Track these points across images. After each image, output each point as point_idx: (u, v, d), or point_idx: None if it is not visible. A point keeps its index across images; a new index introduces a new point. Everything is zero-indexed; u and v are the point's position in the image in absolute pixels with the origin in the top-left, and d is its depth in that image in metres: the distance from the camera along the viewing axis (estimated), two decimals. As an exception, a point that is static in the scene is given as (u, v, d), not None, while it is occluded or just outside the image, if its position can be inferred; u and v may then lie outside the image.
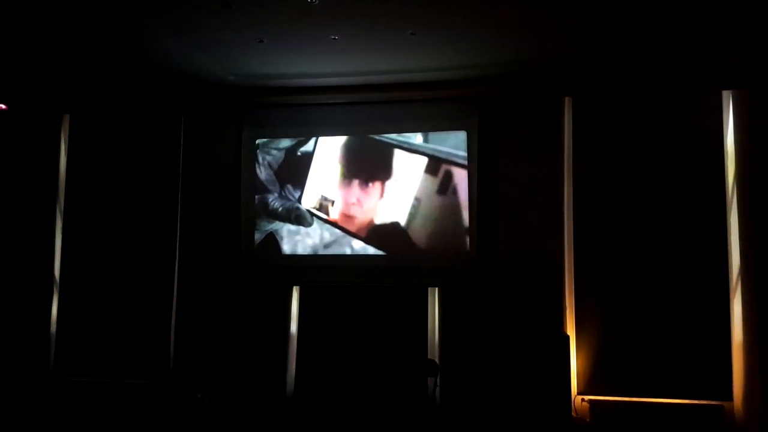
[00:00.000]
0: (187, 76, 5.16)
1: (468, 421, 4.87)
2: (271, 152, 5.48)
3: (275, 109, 5.52)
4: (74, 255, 5.67)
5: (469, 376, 4.97)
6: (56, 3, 3.82)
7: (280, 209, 5.41)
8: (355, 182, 5.29)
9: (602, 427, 4.74)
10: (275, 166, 5.46)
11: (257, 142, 5.49)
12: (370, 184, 5.26)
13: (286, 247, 5.36)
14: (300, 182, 5.38)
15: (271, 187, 5.44)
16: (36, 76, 5.29)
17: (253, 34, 4.29)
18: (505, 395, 4.66)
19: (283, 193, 5.41)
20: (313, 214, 5.34)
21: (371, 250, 5.21)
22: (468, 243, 5.05)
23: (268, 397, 5.23)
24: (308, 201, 5.36)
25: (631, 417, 4.72)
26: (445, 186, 5.12)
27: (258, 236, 5.43)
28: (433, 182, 5.15)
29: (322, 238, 5.30)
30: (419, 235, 5.14)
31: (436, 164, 5.16)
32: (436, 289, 5.19)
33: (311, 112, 5.44)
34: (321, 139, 5.39)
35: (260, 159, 5.48)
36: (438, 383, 4.87)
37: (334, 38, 4.31)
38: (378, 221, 5.22)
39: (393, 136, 5.26)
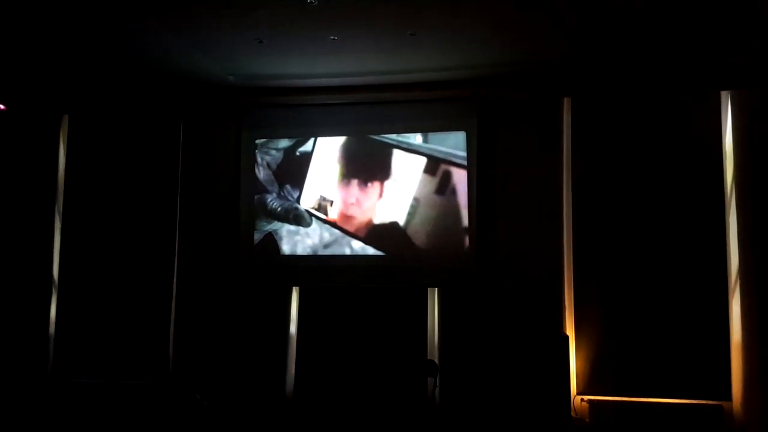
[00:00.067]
0: (187, 76, 5.17)
1: (468, 421, 4.86)
2: (270, 152, 5.48)
3: (275, 110, 5.52)
4: (73, 256, 5.66)
5: (468, 377, 4.97)
6: (56, 3, 3.82)
7: (279, 209, 5.40)
8: (354, 182, 5.29)
9: (602, 427, 4.74)
10: (274, 166, 5.46)
11: (256, 142, 5.49)
12: (369, 184, 5.26)
13: (286, 248, 5.36)
14: (299, 182, 5.38)
15: (269, 188, 5.44)
16: (35, 76, 5.29)
17: (252, 35, 4.30)
18: (505, 395, 4.66)
19: (282, 194, 5.41)
20: (311, 215, 5.34)
21: (370, 251, 5.21)
22: (467, 243, 5.06)
23: (268, 397, 5.23)
24: (307, 201, 5.36)
25: (631, 417, 4.72)
26: (444, 186, 5.13)
27: (257, 236, 5.42)
28: (432, 182, 5.15)
29: (321, 238, 5.30)
30: (418, 235, 5.14)
31: (434, 164, 5.16)
32: (436, 289, 5.20)
33: (311, 112, 5.45)
34: (320, 139, 5.40)
35: (259, 159, 5.48)
36: (437, 383, 4.87)
37: (334, 39, 4.32)
38: (377, 221, 5.22)
39: (392, 136, 5.26)
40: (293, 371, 5.31)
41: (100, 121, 5.76)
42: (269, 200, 5.43)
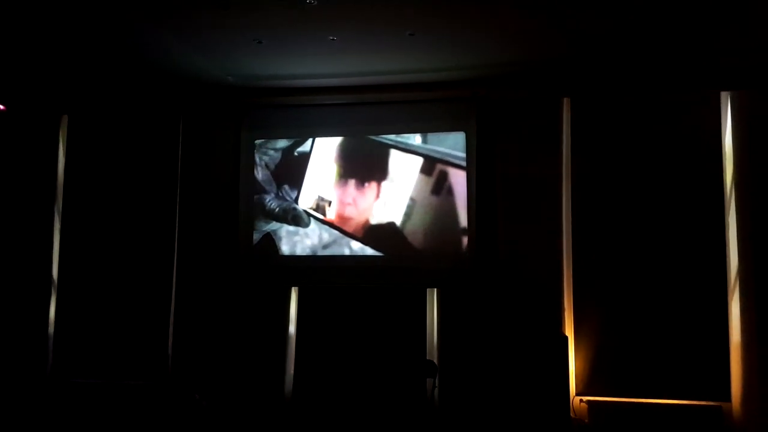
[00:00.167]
0: (186, 76, 5.17)
1: (467, 421, 4.86)
2: (268, 152, 5.48)
3: (274, 110, 5.52)
4: (72, 256, 5.66)
5: (467, 377, 4.96)
6: (55, 4, 3.82)
7: (277, 210, 5.41)
8: (351, 183, 5.29)
9: (601, 428, 4.74)
10: (272, 166, 5.46)
11: (255, 142, 5.49)
12: (366, 185, 5.26)
13: (285, 248, 5.36)
14: (297, 183, 5.38)
15: (268, 188, 5.44)
16: (35, 76, 5.29)
17: (251, 35, 4.29)
18: (504, 396, 4.65)
19: (280, 194, 5.41)
20: (310, 215, 5.34)
21: (369, 251, 5.21)
22: (466, 243, 5.05)
23: (267, 398, 5.23)
24: (305, 201, 5.36)
25: (630, 418, 4.72)
26: (440, 186, 5.12)
27: (256, 237, 5.42)
28: (428, 182, 5.15)
29: (320, 238, 5.30)
30: (415, 235, 5.14)
31: (431, 164, 5.16)
32: (435, 289, 5.19)
33: (311, 112, 5.44)
34: (318, 139, 5.39)
35: (257, 159, 5.48)
36: (437, 384, 4.87)
37: (333, 39, 4.31)
38: (374, 221, 5.22)
39: (391, 136, 5.26)
40: (292, 371, 5.31)
41: (100, 121, 5.76)
42: (267, 200, 5.43)
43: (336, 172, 5.34)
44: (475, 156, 5.08)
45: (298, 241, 5.34)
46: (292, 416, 5.14)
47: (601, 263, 4.95)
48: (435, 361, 5.04)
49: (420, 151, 5.20)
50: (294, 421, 5.09)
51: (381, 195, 5.22)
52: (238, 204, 5.46)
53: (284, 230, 5.38)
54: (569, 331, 4.91)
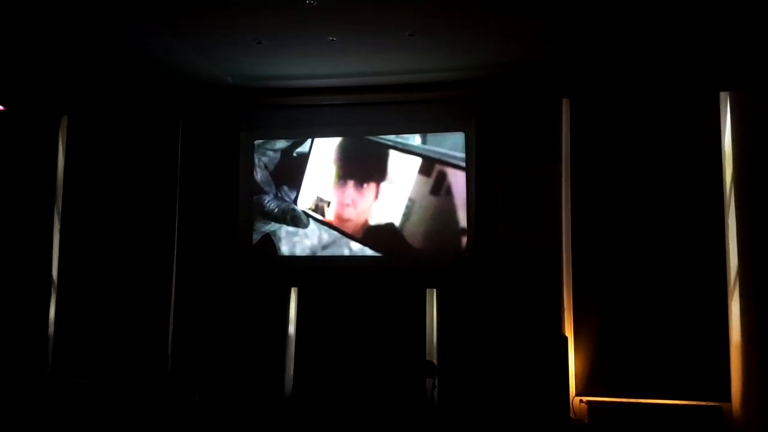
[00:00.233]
0: (186, 77, 5.17)
1: (466, 422, 4.86)
2: (267, 153, 5.48)
3: (274, 111, 5.52)
4: (72, 256, 5.66)
5: (467, 378, 4.96)
6: (55, 4, 3.82)
7: (276, 210, 5.41)
8: (350, 183, 5.29)
9: (600, 429, 4.74)
10: (271, 167, 5.46)
11: (255, 143, 5.49)
12: (365, 185, 5.26)
13: (285, 249, 5.36)
14: (296, 183, 5.38)
15: (267, 188, 5.44)
16: (34, 77, 5.29)
17: (251, 36, 4.30)
18: (504, 396, 4.66)
19: (279, 194, 5.41)
20: (308, 215, 5.34)
21: (369, 252, 5.21)
22: (465, 244, 5.05)
23: (267, 398, 5.23)
24: (304, 202, 5.36)
25: (630, 418, 4.72)
26: (439, 187, 5.13)
27: (255, 237, 5.42)
28: (427, 183, 5.15)
29: (320, 239, 5.30)
30: (414, 236, 5.14)
31: (430, 165, 5.17)
32: (435, 290, 5.19)
33: (310, 113, 5.45)
34: (317, 139, 5.40)
35: (256, 160, 5.48)
36: (436, 384, 4.87)
37: (332, 39, 4.31)
38: (373, 222, 5.22)
39: (390, 137, 5.26)
40: (292, 372, 5.31)
41: (99, 121, 5.76)
42: (266, 201, 5.43)
43: (335, 172, 5.34)
44: (474, 156, 5.08)
45: (298, 242, 5.34)
46: (291, 416, 5.14)
47: (601, 263, 4.95)
48: (434, 361, 5.04)
49: (419, 151, 5.20)
50: (294, 421, 5.09)
51: (380, 196, 5.22)
52: (238, 204, 5.46)
53: (284, 231, 5.38)
54: (569, 332, 4.91)
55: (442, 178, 5.13)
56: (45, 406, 5.22)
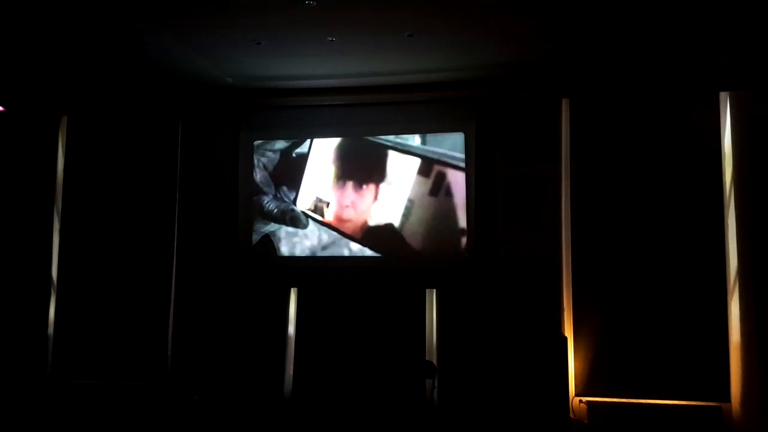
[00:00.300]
0: (185, 77, 5.17)
1: (466, 422, 4.86)
2: (266, 154, 5.48)
3: (273, 111, 5.52)
4: (72, 257, 5.66)
5: (467, 378, 4.96)
6: (54, 4, 3.82)
7: (275, 211, 5.40)
8: (349, 184, 5.29)
9: (600, 429, 4.74)
10: (270, 167, 5.46)
11: (254, 143, 5.49)
12: (364, 186, 5.26)
13: (284, 249, 5.36)
14: (295, 184, 5.38)
15: (266, 189, 5.44)
16: (34, 77, 5.29)
17: (250, 36, 4.29)
18: (503, 397, 4.66)
19: (278, 195, 5.41)
20: (308, 216, 5.34)
21: (368, 252, 5.21)
22: (464, 244, 5.05)
23: (266, 398, 5.23)
24: (303, 202, 5.36)
25: (629, 418, 4.72)
26: (438, 187, 5.13)
27: (255, 238, 5.42)
28: (426, 184, 5.15)
29: (320, 239, 5.30)
30: (414, 236, 5.14)
31: (428, 166, 5.17)
32: (434, 290, 5.19)
33: (310, 113, 5.45)
34: (316, 140, 5.40)
35: (255, 160, 5.48)
36: (436, 385, 4.87)
37: (332, 40, 4.31)
38: (372, 223, 5.22)
39: (389, 137, 5.26)
40: (291, 372, 5.31)
41: (99, 122, 5.76)
42: (265, 202, 5.43)
43: (334, 173, 5.34)
44: (474, 157, 5.08)
45: (298, 242, 5.34)
46: (291, 417, 5.14)
47: (601, 264, 4.95)
48: (434, 361, 5.04)
49: (418, 152, 5.20)
50: (293, 421, 5.09)
51: (379, 196, 5.22)
52: (238, 205, 5.46)
53: (283, 231, 5.38)
54: (568, 332, 4.90)
55: (441, 178, 5.13)
56: (45, 407, 5.22)
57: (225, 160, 5.54)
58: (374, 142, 5.30)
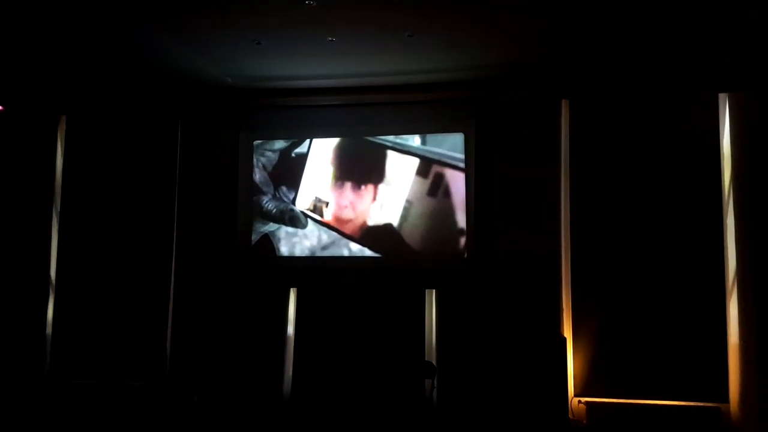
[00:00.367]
0: (185, 77, 5.16)
1: (465, 422, 4.86)
2: (265, 154, 5.48)
3: (273, 111, 5.52)
4: (70, 256, 5.65)
5: (466, 378, 4.97)
6: (54, 5, 3.82)
7: (274, 211, 5.40)
8: (348, 184, 5.29)
9: (599, 429, 4.74)
10: (269, 167, 5.46)
11: (254, 143, 5.49)
12: (363, 186, 5.26)
13: (284, 249, 5.36)
14: (294, 184, 5.38)
15: (265, 189, 5.44)
16: (33, 77, 5.28)
17: (250, 36, 4.29)
18: (503, 397, 4.67)
19: (277, 195, 5.41)
20: (307, 216, 5.34)
21: (368, 252, 5.21)
22: (464, 245, 5.06)
23: (266, 398, 5.22)
24: (302, 202, 5.36)
25: (628, 419, 4.73)
26: (436, 188, 5.13)
27: (254, 238, 5.42)
28: (424, 184, 5.15)
29: (319, 239, 5.30)
30: (413, 236, 5.14)
31: (427, 166, 5.17)
32: (434, 290, 5.19)
33: (310, 114, 5.44)
34: (315, 140, 5.39)
35: (254, 160, 5.47)
36: (435, 385, 4.87)
37: (331, 40, 4.31)
38: (371, 223, 5.22)
39: (389, 137, 5.27)
40: (291, 372, 5.31)
41: (98, 122, 5.75)
42: (265, 202, 5.43)
43: (332, 173, 5.34)
44: (474, 157, 5.08)
45: (297, 242, 5.34)
46: (290, 417, 5.14)
47: (600, 264, 4.95)
48: (434, 362, 5.04)
49: (418, 152, 5.20)
50: (292, 422, 5.09)
51: (378, 196, 5.22)
52: (237, 205, 5.45)
53: (283, 231, 5.38)
54: (568, 333, 4.91)
55: (439, 179, 5.13)
56: (43, 407, 5.21)
57: (224, 160, 5.54)
58: (373, 142, 5.31)
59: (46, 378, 5.52)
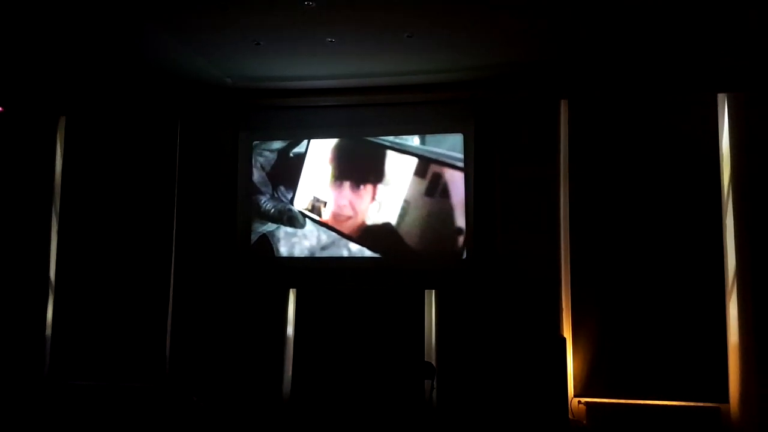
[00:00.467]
0: (184, 78, 5.16)
1: (465, 423, 4.86)
2: (264, 153, 5.48)
3: (273, 112, 5.52)
4: (70, 257, 5.65)
5: (465, 379, 4.97)
6: (53, 5, 3.82)
7: (272, 210, 5.40)
8: (346, 184, 5.29)
9: (599, 429, 4.74)
10: (267, 167, 5.46)
11: (254, 143, 5.49)
12: (361, 186, 5.26)
13: (283, 249, 5.36)
14: (292, 183, 5.38)
15: (263, 189, 5.44)
16: (33, 77, 5.28)
17: (250, 37, 4.30)
18: (502, 397, 4.66)
19: (276, 195, 5.41)
20: (305, 216, 5.34)
21: (367, 253, 5.21)
22: (463, 245, 5.06)
23: (265, 399, 5.22)
24: (300, 202, 5.36)
25: (628, 419, 4.72)
26: (434, 188, 5.13)
27: (254, 238, 5.42)
28: (422, 184, 5.15)
29: (319, 240, 5.30)
30: (411, 236, 5.14)
31: (425, 166, 5.17)
32: (433, 291, 5.19)
33: (309, 114, 5.45)
34: (313, 140, 5.40)
35: (253, 160, 5.47)
36: (435, 385, 4.87)
37: (331, 41, 4.32)
38: (369, 223, 5.22)
39: (388, 138, 5.27)
40: (290, 373, 5.31)
41: (98, 122, 5.75)
42: (263, 201, 5.43)
43: (331, 173, 5.34)
44: (473, 157, 5.09)
45: (297, 243, 5.34)
46: (290, 418, 5.13)
47: (599, 264, 4.96)
48: (433, 362, 5.04)
49: (417, 152, 5.21)
50: (292, 422, 5.08)
51: (376, 196, 5.22)
52: (236, 205, 5.45)
53: (282, 231, 5.38)
54: (567, 333, 4.91)
55: (437, 179, 5.13)
56: (43, 408, 5.21)
57: (224, 160, 5.54)
58: (372, 141, 5.31)
59: (45, 379, 5.51)
